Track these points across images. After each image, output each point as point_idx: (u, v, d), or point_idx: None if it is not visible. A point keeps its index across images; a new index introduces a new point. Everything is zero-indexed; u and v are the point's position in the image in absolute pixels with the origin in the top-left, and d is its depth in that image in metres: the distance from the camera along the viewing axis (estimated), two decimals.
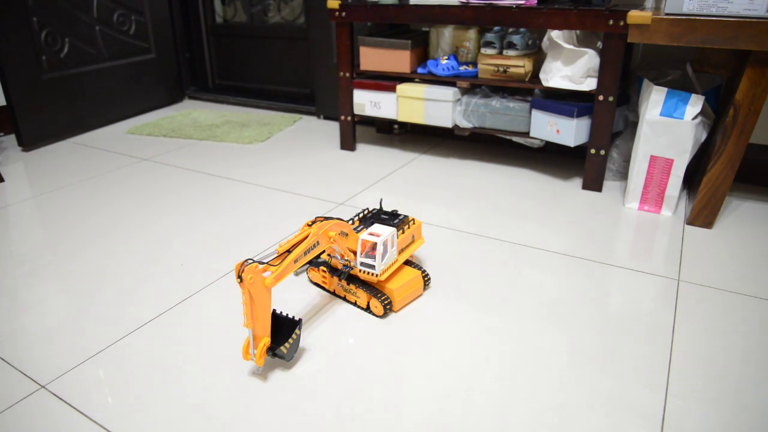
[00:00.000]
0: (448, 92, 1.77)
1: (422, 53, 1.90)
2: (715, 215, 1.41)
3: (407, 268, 1.14)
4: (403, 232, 1.14)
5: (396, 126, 2.27)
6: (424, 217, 1.51)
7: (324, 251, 1.07)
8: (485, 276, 1.22)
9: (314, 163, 1.95)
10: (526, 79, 1.67)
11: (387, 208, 1.57)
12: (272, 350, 0.91)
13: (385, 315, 1.07)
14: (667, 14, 1.32)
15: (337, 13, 1.84)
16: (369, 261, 1.05)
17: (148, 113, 2.70)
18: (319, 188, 1.72)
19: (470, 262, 1.28)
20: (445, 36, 1.84)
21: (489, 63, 1.69)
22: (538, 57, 1.71)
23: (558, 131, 1.62)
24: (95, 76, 2.40)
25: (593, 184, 1.66)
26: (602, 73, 1.52)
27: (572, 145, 1.61)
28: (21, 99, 2.10)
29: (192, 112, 2.67)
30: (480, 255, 1.31)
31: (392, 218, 1.17)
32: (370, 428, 0.82)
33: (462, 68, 1.75)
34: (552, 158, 1.96)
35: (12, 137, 2.30)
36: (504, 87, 1.82)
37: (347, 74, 1.93)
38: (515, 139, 1.75)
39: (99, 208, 1.60)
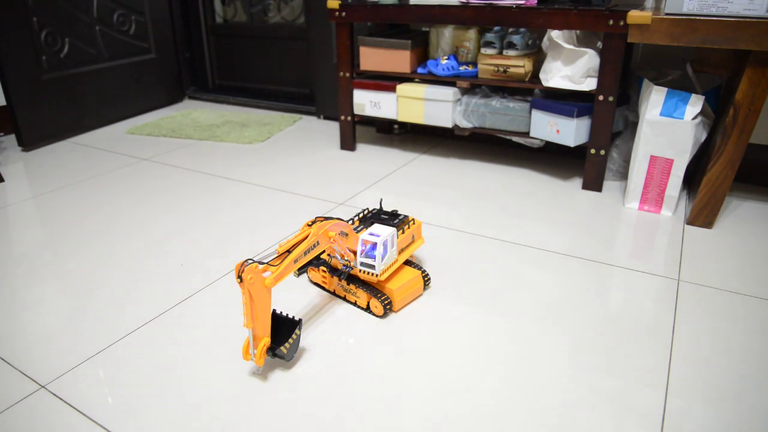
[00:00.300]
0: (448, 92, 1.77)
1: (422, 53, 1.90)
2: (715, 215, 1.41)
3: (407, 268, 1.14)
4: (403, 232, 1.14)
5: (396, 126, 2.27)
6: (424, 217, 1.51)
7: (324, 251, 1.07)
8: (485, 276, 1.22)
9: (314, 163, 1.95)
10: (526, 79, 1.67)
11: (387, 208, 1.57)
12: (272, 350, 0.91)
13: (385, 315, 1.07)
14: (667, 14, 1.32)
15: (337, 13, 1.84)
16: (369, 261, 1.05)
17: (148, 113, 2.70)
18: (319, 188, 1.72)
19: (470, 262, 1.28)
20: (445, 36, 1.84)
21: (489, 63, 1.69)
22: (538, 57, 1.71)
23: (558, 131, 1.62)
24: (95, 76, 2.40)
25: (593, 184, 1.66)
26: (602, 73, 1.52)
27: (572, 145, 1.61)
28: (21, 99, 2.10)
29: (192, 112, 2.67)
30: (480, 255, 1.31)
31: (392, 218, 1.17)
32: (370, 428, 0.82)
33: (462, 68, 1.75)
34: (552, 158, 1.96)
35: (12, 137, 2.30)
36: (504, 87, 1.82)
37: (347, 74, 1.93)
38: (515, 139, 1.75)
39: (99, 208, 1.60)
